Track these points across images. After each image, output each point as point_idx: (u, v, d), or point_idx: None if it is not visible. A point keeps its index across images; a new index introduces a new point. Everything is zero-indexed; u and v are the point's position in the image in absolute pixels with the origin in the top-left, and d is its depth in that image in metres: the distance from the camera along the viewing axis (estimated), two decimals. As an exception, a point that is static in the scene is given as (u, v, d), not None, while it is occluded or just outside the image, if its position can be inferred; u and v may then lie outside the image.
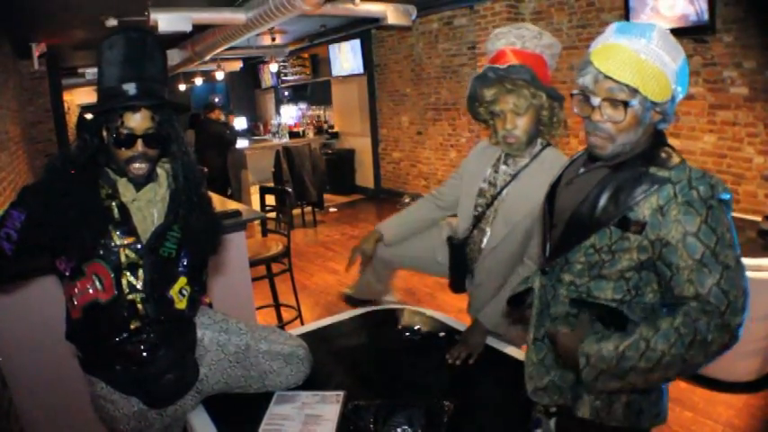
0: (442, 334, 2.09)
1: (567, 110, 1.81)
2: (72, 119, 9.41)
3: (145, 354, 1.53)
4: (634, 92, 1.17)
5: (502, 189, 1.93)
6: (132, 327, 1.51)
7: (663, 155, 1.24)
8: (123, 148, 1.47)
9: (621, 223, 1.23)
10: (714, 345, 1.12)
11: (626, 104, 1.19)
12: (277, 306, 3.65)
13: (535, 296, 1.44)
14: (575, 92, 1.28)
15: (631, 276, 1.26)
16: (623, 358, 1.18)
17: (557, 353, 1.36)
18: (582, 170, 1.38)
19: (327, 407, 1.65)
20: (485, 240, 1.99)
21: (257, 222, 4.78)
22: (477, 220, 2.00)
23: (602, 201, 1.26)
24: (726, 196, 1.18)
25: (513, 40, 1.85)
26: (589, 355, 1.23)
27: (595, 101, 1.22)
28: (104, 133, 1.49)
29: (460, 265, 2.09)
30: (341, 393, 1.70)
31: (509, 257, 1.94)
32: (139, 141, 1.47)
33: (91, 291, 1.47)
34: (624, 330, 1.25)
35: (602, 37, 1.24)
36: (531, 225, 1.84)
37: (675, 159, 1.23)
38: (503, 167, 1.97)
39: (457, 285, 2.17)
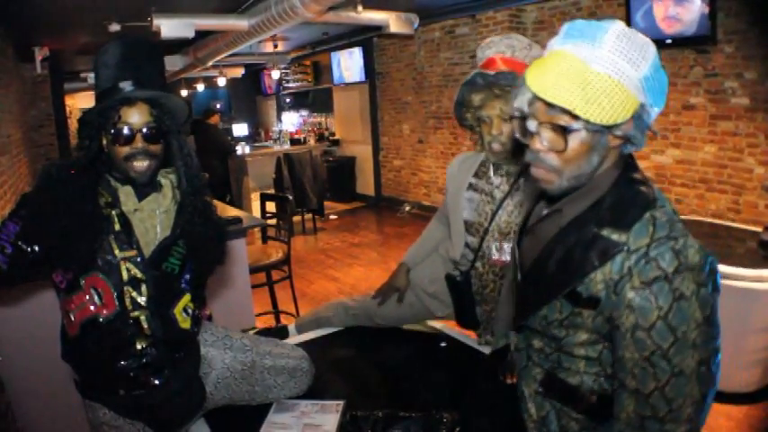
0: (443, 344, 2.09)
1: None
2: (74, 123, 9.43)
3: (153, 378, 1.47)
4: (575, 115, 0.93)
5: (503, 200, 1.87)
6: (138, 347, 1.45)
7: (624, 205, 1.00)
8: (122, 145, 1.41)
9: (571, 297, 1.03)
10: None
11: (565, 130, 0.95)
12: (276, 313, 3.64)
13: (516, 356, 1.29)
14: (514, 114, 1.04)
15: (600, 353, 1.07)
16: None
17: None
18: (545, 211, 1.15)
19: (326, 416, 1.64)
20: (499, 256, 1.88)
21: (257, 229, 4.77)
22: (482, 238, 1.90)
23: (551, 266, 1.05)
24: (698, 259, 0.92)
25: (503, 49, 1.84)
26: None
27: (532, 125, 0.99)
28: (104, 140, 1.43)
29: (467, 300, 1.95)
30: (340, 403, 1.69)
31: None
32: (138, 136, 1.41)
33: (90, 306, 1.40)
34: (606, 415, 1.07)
35: (550, 43, 1.03)
36: None
37: (640, 209, 0.98)
38: (495, 179, 1.91)
39: (468, 322, 2.02)
